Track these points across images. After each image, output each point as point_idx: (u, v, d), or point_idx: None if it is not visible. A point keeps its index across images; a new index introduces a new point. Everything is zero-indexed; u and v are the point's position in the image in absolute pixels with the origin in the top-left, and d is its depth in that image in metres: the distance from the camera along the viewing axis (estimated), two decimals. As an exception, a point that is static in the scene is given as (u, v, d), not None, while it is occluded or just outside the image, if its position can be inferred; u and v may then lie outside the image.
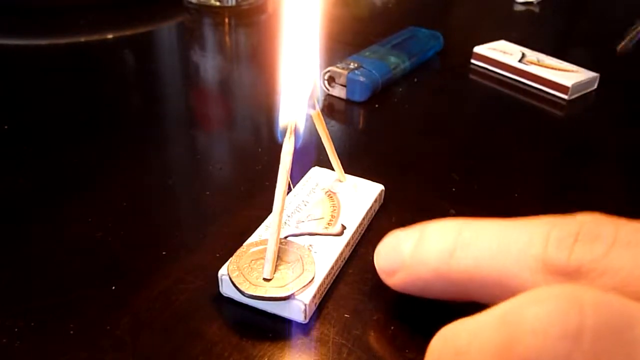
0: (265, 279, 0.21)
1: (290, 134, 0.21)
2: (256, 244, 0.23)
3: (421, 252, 0.19)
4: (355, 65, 0.39)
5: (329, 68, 0.39)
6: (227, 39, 0.55)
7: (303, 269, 0.21)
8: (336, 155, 0.26)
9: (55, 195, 0.28)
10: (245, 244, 0.23)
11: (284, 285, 0.21)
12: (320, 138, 0.25)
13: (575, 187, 0.31)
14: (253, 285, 0.21)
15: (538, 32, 0.55)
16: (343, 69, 0.38)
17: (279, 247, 0.22)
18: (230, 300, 0.22)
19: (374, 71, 0.38)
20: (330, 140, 0.25)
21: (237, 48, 0.53)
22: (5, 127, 0.34)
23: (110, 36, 0.52)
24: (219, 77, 0.46)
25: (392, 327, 0.22)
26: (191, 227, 0.27)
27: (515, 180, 0.31)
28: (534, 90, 0.42)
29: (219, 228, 0.26)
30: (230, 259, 0.22)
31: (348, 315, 0.22)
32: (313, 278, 0.21)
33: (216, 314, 0.22)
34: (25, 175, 0.29)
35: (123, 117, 0.37)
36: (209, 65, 0.48)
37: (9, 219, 0.26)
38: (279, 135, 0.22)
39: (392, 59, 0.41)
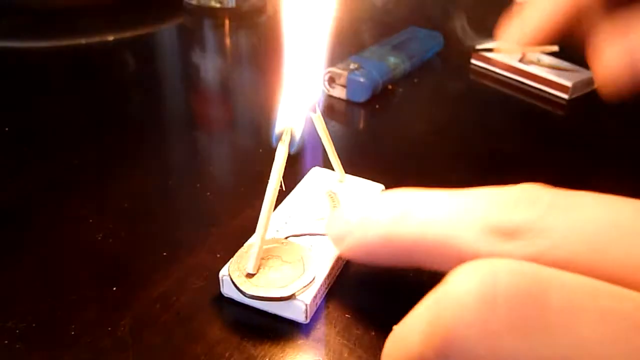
0: (249, 274, 0.21)
1: (286, 139, 0.21)
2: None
3: (368, 218, 0.20)
4: (355, 65, 0.39)
5: (329, 69, 0.39)
6: (227, 40, 0.55)
7: (304, 269, 0.21)
8: (337, 156, 0.26)
9: (56, 196, 0.28)
10: (245, 244, 0.23)
11: (286, 286, 0.21)
12: (321, 138, 0.25)
13: (575, 186, 0.31)
14: (254, 285, 0.21)
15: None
16: (343, 69, 0.38)
17: (280, 247, 0.22)
18: (231, 301, 0.22)
19: (374, 72, 0.38)
20: (331, 141, 0.25)
21: (237, 49, 0.53)
22: (6, 129, 0.34)
23: (110, 38, 0.52)
24: (219, 78, 0.46)
25: (394, 327, 0.21)
26: (192, 228, 0.27)
27: (515, 180, 0.31)
28: (535, 90, 0.42)
29: (219, 229, 0.26)
30: (231, 259, 0.22)
31: (349, 315, 0.22)
32: (314, 278, 0.21)
33: (217, 314, 0.22)
34: (25, 176, 0.29)
35: (124, 119, 0.37)
36: (210, 66, 0.48)
37: (9, 221, 0.26)
38: (273, 139, 0.22)
39: (392, 60, 0.41)
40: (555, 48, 0.45)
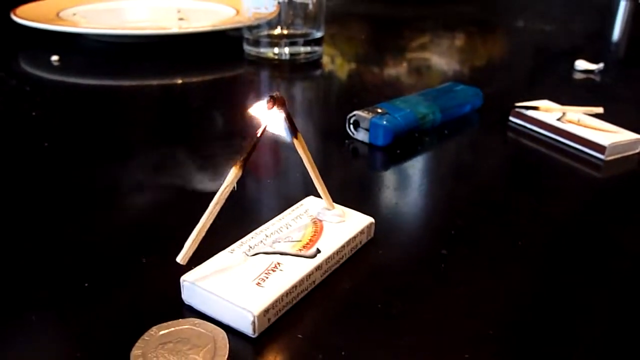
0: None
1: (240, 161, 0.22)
2: (167, 326, 0.21)
3: None
4: (382, 111, 0.39)
5: (354, 112, 0.39)
6: (282, 90, 0.57)
7: (215, 354, 0.20)
8: (321, 182, 0.26)
9: (68, 210, 0.30)
10: (154, 327, 0.21)
11: None
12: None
13: (594, 245, 0.29)
14: None
15: (593, 99, 0.52)
16: (368, 113, 0.39)
17: (192, 331, 0.21)
18: (190, 308, 0.22)
19: (398, 117, 0.39)
20: (314, 166, 0.25)
21: (291, 99, 0.55)
22: (45, 144, 0.37)
23: (179, 81, 0.56)
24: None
25: (343, 353, 0.21)
26: (181, 241, 0.27)
27: (524, 233, 0.30)
28: (571, 150, 0.40)
29: (206, 245, 0.27)
30: (137, 342, 0.20)
31: (301, 336, 0.21)
32: None
33: (178, 319, 0.22)
34: (53, 186, 0.32)
35: (171, 149, 0.39)
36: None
37: (25, 219, 0.29)
38: None
39: (422, 109, 0.41)
40: (600, 110, 0.43)
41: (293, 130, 0.24)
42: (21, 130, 0.40)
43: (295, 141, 0.24)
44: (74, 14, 0.69)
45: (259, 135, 0.22)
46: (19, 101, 0.46)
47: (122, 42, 0.64)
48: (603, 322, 0.23)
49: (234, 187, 0.22)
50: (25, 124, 0.41)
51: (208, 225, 0.22)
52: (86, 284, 0.24)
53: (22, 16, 0.62)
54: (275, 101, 0.22)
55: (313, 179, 0.26)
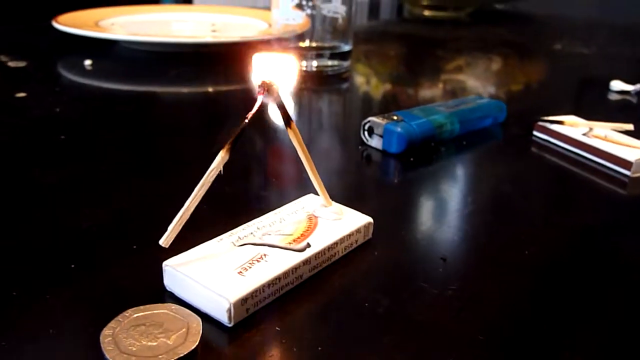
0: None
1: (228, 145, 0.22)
2: (142, 309, 0.21)
3: None
4: (397, 118, 0.38)
5: (369, 118, 0.39)
6: (307, 100, 0.57)
7: (185, 340, 0.19)
8: (317, 176, 0.26)
9: (71, 193, 0.31)
10: (130, 309, 0.21)
11: (155, 356, 0.19)
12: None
13: (607, 261, 0.27)
14: (122, 353, 0.19)
15: (626, 118, 0.50)
16: (383, 119, 0.38)
17: (167, 315, 0.20)
18: (172, 295, 0.22)
19: (414, 125, 0.38)
20: (310, 159, 0.25)
21: (314, 109, 0.55)
22: (62, 137, 0.38)
23: (210, 89, 0.57)
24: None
25: (320, 348, 0.20)
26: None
27: (534, 243, 0.28)
28: (596, 165, 0.38)
29: (196, 234, 0.26)
30: (110, 323, 0.20)
31: (279, 328, 0.21)
32: (195, 350, 0.19)
33: (156, 304, 0.21)
34: (57, 172, 0.33)
35: (183, 151, 0.40)
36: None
37: (22, 203, 0.29)
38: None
39: (440, 118, 0.40)
40: (630, 127, 0.41)
41: (286, 119, 0.23)
42: (43, 124, 0.41)
43: (289, 131, 0.24)
44: (112, 24, 0.71)
45: (247, 120, 0.22)
46: (45, 99, 0.47)
47: (155, 50, 0.65)
48: (599, 340, 0.22)
49: (220, 171, 0.22)
50: (47, 119, 0.42)
51: (192, 208, 0.22)
52: (72, 266, 0.24)
53: (63, 23, 0.64)
54: (266, 88, 0.22)
55: (308, 172, 0.25)
